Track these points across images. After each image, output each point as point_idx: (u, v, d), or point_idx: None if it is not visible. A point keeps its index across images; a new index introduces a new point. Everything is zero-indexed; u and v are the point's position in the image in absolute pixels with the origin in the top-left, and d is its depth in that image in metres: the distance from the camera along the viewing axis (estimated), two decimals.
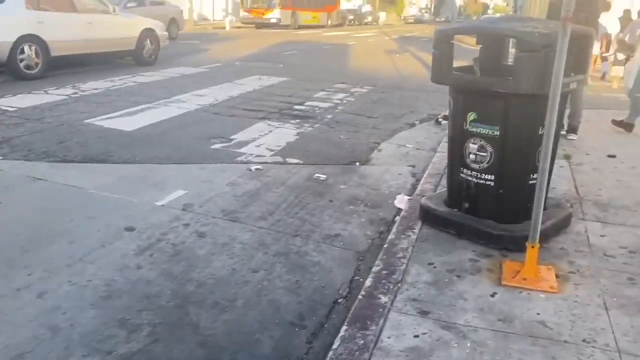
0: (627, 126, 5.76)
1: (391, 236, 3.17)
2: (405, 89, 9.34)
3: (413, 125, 6.61)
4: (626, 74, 6.00)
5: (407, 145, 5.59)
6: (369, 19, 53.29)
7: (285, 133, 5.88)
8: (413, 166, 4.88)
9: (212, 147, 5.22)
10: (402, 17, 69.51)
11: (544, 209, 3.25)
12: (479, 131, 3.00)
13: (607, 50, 9.91)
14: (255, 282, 2.79)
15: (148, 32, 10.94)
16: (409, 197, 3.95)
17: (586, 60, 3.01)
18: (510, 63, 3.11)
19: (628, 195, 3.82)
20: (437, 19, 75.26)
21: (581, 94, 5.17)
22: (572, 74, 3.00)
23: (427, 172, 4.44)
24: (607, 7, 6.99)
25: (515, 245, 2.86)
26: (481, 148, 3.02)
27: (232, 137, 5.57)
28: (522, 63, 2.68)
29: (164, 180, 4.23)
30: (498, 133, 2.94)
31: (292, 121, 6.45)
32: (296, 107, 7.35)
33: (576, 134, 5.43)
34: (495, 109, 2.91)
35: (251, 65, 11.83)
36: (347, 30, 34.87)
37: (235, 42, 18.07)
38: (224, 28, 29.14)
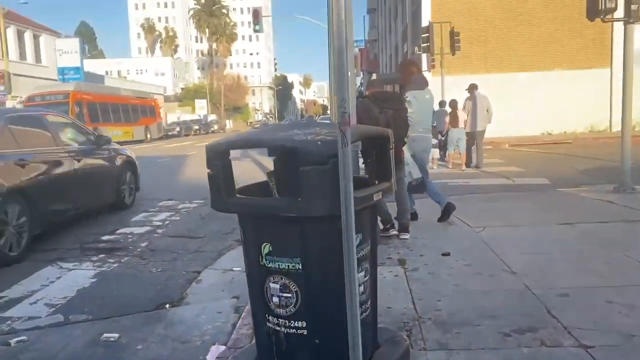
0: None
1: None
2: None
3: None
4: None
5: (234, 269, 4.76)
6: (215, 127, 54.25)
7: (79, 277, 4.72)
8: (237, 297, 4.05)
9: None
10: (249, 123, 72.30)
11: (377, 348, 2.63)
12: (277, 266, 2.32)
13: None
14: None
15: None
16: (223, 349, 3.10)
17: (389, 164, 2.55)
18: None
19: (468, 303, 3.37)
20: (282, 122, 79.65)
21: (403, 190, 4.92)
22: (377, 182, 2.53)
23: (247, 307, 3.64)
24: None
25: None
26: (284, 287, 2.32)
27: (1, 294, 4.28)
28: (308, 179, 2.10)
29: None
30: (301, 266, 2.28)
31: (94, 258, 5.30)
32: (104, 237, 6.21)
33: (408, 232, 5.11)
34: (293, 237, 2.27)
35: None
36: (192, 140, 34.53)
37: None
38: None
